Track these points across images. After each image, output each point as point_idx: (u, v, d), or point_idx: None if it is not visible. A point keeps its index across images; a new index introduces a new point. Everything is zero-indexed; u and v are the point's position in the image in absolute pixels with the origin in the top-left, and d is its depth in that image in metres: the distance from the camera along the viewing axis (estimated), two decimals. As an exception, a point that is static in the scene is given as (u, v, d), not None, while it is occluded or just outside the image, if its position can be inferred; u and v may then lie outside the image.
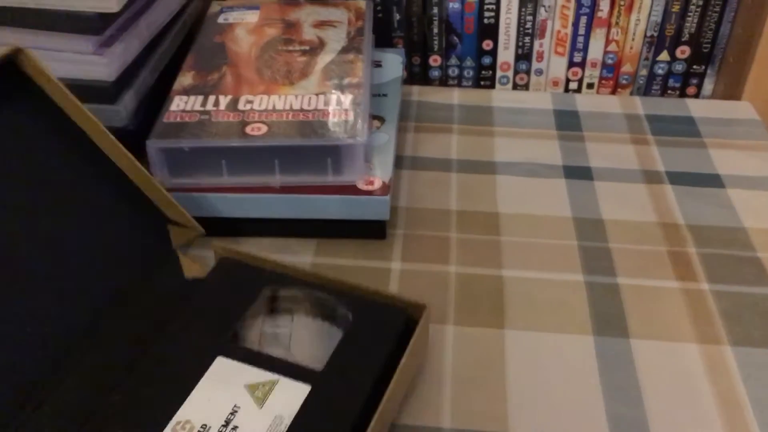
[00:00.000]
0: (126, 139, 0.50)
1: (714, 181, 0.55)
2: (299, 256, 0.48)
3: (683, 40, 0.66)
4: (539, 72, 0.69)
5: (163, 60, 0.56)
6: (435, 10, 0.67)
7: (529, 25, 0.67)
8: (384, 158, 0.50)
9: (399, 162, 0.57)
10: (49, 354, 0.35)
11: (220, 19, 0.59)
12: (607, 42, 0.67)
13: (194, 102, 0.49)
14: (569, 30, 0.67)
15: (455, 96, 0.66)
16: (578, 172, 0.56)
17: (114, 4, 0.46)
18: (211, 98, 0.50)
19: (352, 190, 0.48)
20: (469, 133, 0.61)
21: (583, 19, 0.66)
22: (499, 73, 0.69)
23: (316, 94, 0.50)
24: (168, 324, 0.38)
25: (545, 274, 0.47)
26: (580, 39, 0.67)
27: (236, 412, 0.34)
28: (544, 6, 0.66)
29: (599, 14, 0.66)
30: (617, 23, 0.66)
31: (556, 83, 0.70)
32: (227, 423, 0.34)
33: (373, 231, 0.49)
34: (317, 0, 0.66)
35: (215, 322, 0.38)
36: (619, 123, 0.62)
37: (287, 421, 0.34)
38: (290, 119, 0.48)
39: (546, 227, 0.51)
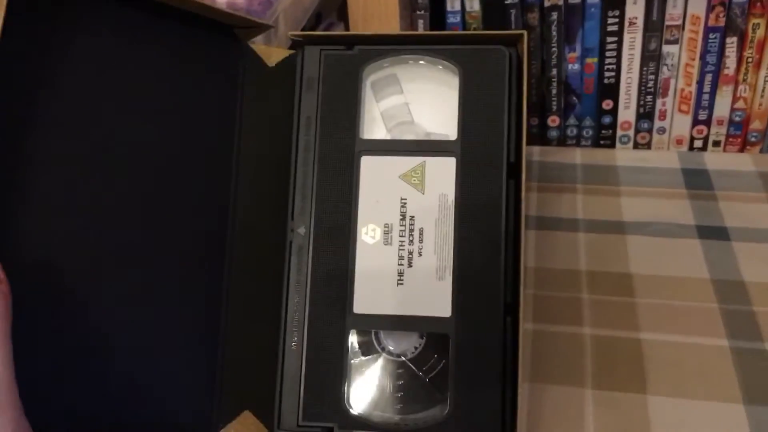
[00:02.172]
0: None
1: None
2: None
3: (817, 95, 0.64)
4: (662, 130, 0.68)
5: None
6: (554, 71, 0.68)
7: (651, 83, 0.66)
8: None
9: (525, 222, 0.57)
10: None
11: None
12: (735, 99, 0.66)
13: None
14: (693, 88, 0.66)
15: (577, 155, 0.66)
16: (713, 232, 0.54)
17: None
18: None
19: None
20: (595, 192, 0.60)
21: (709, 77, 0.65)
22: (619, 132, 0.69)
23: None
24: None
25: (686, 338, 0.45)
26: (705, 97, 0.66)
27: (405, 203, 0.37)
28: (666, 65, 0.65)
29: (726, 71, 0.65)
30: (745, 80, 0.65)
31: (680, 141, 0.68)
32: (404, 216, 0.37)
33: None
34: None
35: (343, 117, 0.39)
36: (753, 181, 0.60)
37: (451, 196, 0.37)
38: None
39: (683, 289, 0.49)
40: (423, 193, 0.37)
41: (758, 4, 0.62)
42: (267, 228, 0.40)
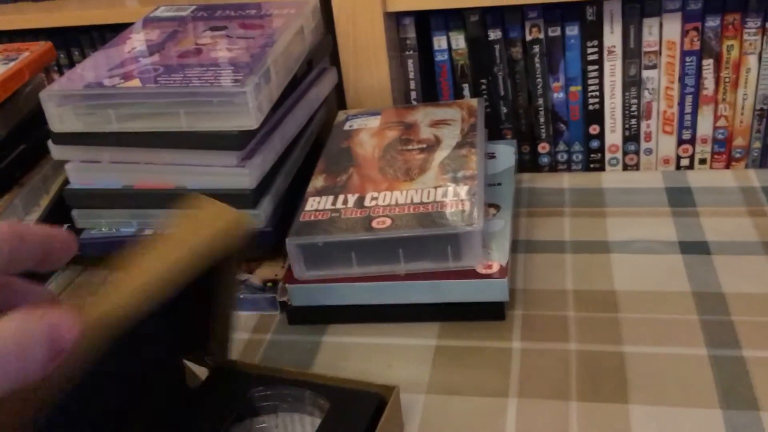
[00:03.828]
0: (264, 239, 0.56)
1: (840, 249, 0.54)
2: (423, 339, 0.51)
3: (795, 110, 0.66)
4: (649, 151, 0.71)
5: (294, 167, 0.63)
6: (540, 101, 0.71)
7: (634, 107, 0.69)
8: (501, 243, 0.53)
9: (514, 246, 0.60)
10: None
11: (346, 126, 0.65)
12: (716, 118, 0.68)
13: (326, 201, 0.55)
14: (675, 110, 0.69)
15: (565, 180, 0.69)
16: (695, 247, 0.57)
17: (254, 123, 0.52)
18: (341, 197, 0.55)
19: (471, 274, 0.51)
20: (581, 215, 0.63)
21: (689, 98, 0.68)
22: (608, 155, 0.72)
23: (435, 188, 0.55)
24: None
25: (667, 349, 0.48)
26: (688, 117, 0.69)
27: None
28: (647, 89, 0.68)
29: (704, 92, 0.67)
30: (724, 99, 0.67)
31: (667, 161, 0.71)
32: None
33: (492, 312, 0.52)
34: (431, 102, 0.72)
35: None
36: (735, 196, 0.62)
37: None
38: (412, 212, 0.52)
39: (665, 303, 0.51)
40: None
41: (730, 26, 0.64)
42: None
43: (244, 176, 0.54)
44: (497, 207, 0.58)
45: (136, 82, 0.54)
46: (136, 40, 0.63)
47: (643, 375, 0.46)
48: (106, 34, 0.76)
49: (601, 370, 0.47)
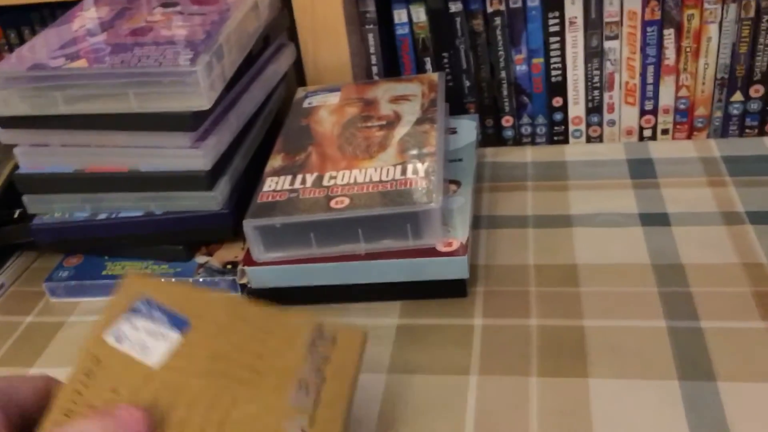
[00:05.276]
0: (222, 221, 0.55)
1: (798, 217, 0.55)
2: (385, 318, 0.51)
3: (756, 79, 0.66)
4: (612, 123, 0.71)
5: (252, 146, 0.61)
6: (503, 74, 0.70)
7: (596, 79, 0.69)
8: (461, 220, 0.53)
9: (476, 222, 0.59)
10: None
11: (305, 104, 0.64)
12: (678, 88, 0.68)
13: (284, 182, 0.54)
14: (637, 80, 0.68)
15: (528, 154, 0.68)
16: (655, 219, 0.57)
17: (206, 103, 0.51)
18: (299, 177, 0.54)
19: (432, 252, 0.50)
20: (544, 189, 0.62)
21: (651, 69, 0.67)
22: (572, 128, 0.71)
23: (394, 165, 0.54)
24: None
25: (626, 322, 0.48)
26: (650, 88, 0.68)
27: None
28: (609, 60, 0.68)
29: (666, 62, 0.67)
30: (685, 69, 0.67)
31: (630, 132, 0.71)
32: None
33: (454, 290, 0.52)
34: (393, 77, 0.71)
35: None
36: (695, 167, 0.63)
37: None
38: (371, 191, 0.52)
39: (625, 276, 0.51)
40: None
41: (691, -5, 0.64)
42: None
43: (198, 158, 0.53)
44: (458, 183, 0.58)
45: (83, 63, 0.52)
46: (86, 18, 0.61)
47: (602, 349, 0.46)
48: (57, 12, 0.74)
49: (561, 345, 0.47)
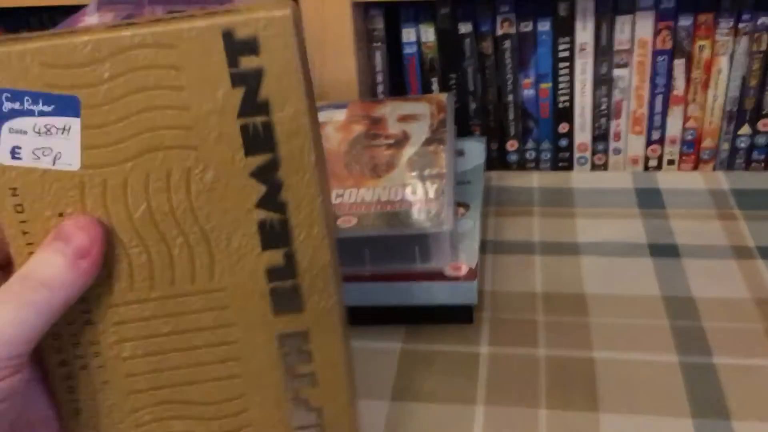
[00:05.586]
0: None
1: (808, 254, 0.54)
2: (388, 342, 0.50)
3: (764, 113, 0.66)
4: (617, 151, 0.70)
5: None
6: (510, 97, 0.69)
7: (604, 106, 0.68)
8: (469, 244, 0.52)
9: (482, 247, 0.58)
10: None
11: (309, 119, 0.63)
12: (685, 119, 0.68)
13: (287, 198, 0.52)
14: (645, 109, 0.68)
15: (534, 179, 0.67)
16: (664, 250, 0.56)
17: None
18: (303, 194, 0.53)
19: (439, 276, 0.49)
20: (550, 215, 0.62)
21: (659, 98, 0.67)
22: (577, 154, 0.71)
23: (403, 186, 0.53)
24: None
25: (637, 355, 0.46)
26: (657, 117, 0.68)
27: None
28: (618, 88, 0.67)
29: (675, 92, 0.67)
30: (694, 100, 0.67)
31: (635, 161, 0.70)
32: None
33: (460, 315, 0.50)
34: (398, 96, 0.70)
35: None
36: (704, 199, 0.62)
37: None
38: (378, 210, 0.50)
39: (634, 307, 0.50)
40: None
41: (703, 26, 0.64)
42: None
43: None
44: (466, 206, 0.57)
45: (87, 68, 0.51)
46: (89, 24, 0.59)
47: (613, 382, 0.45)
48: (57, 17, 0.73)
49: (570, 377, 0.45)
